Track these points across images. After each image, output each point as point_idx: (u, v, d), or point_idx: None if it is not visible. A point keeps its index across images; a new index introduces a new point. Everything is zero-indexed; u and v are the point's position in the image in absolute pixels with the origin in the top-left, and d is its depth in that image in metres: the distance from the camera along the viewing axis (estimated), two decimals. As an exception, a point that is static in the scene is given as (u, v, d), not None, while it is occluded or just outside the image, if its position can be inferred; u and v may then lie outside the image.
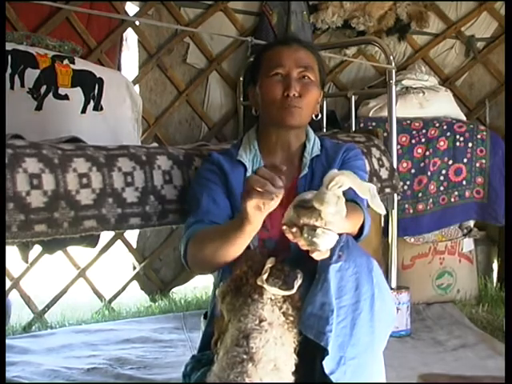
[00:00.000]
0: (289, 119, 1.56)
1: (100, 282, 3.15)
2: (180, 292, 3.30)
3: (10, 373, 2.08)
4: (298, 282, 1.26)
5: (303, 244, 1.22)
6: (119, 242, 3.12)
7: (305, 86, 1.56)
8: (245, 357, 1.19)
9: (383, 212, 1.25)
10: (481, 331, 2.62)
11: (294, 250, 1.48)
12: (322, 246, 1.20)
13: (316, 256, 1.23)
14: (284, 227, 1.23)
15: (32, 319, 2.85)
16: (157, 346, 2.50)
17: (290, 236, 1.23)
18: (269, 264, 1.26)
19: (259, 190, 1.19)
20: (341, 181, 1.17)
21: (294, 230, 1.21)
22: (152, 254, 3.23)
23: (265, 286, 1.24)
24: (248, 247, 1.38)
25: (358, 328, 1.30)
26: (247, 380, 1.18)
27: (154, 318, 2.94)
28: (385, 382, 1.39)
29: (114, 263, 3.65)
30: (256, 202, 1.21)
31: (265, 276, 1.24)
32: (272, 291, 1.25)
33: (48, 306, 2.93)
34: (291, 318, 1.28)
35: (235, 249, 1.35)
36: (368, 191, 1.20)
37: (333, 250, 1.29)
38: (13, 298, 2.86)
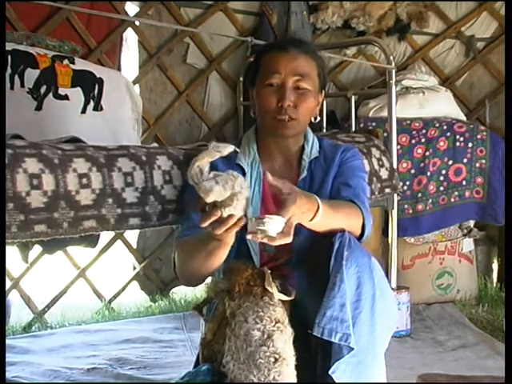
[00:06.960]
0: (283, 131, 1.54)
1: (100, 282, 3.15)
2: (180, 292, 3.30)
3: (10, 373, 2.08)
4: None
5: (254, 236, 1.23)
6: (119, 241, 3.12)
7: (300, 97, 1.52)
8: (277, 357, 1.25)
9: (224, 153, 1.24)
10: (481, 331, 2.62)
11: (295, 253, 1.49)
12: (270, 230, 1.20)
13: (269, 242, 1.23)
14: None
15: (32, 319, 2.84)
16: (157, 346, 2.50)
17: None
18: (268, 271, 1.35)
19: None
20: (199, 166, 1.19)
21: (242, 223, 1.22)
22: (152, 254, 3.23)
23: (273, 290, 1.32)
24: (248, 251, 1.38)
25: (358, 326, 1.30)
26: (279, 379, 1.25)
27: (154, 318, 2.94)
28: (385, 382, 1.40)
29: (114, 263, 3.65)
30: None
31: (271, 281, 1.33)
32: (278, 296, 1.33)
33: (48, 306, 2.93)
34: (289, 318, 1.33)
35: (215, 260, 1.35)
36: (217, 151, 1.22)
37: (341, 250, 1.31)
38: (13, 298, 2.86)
